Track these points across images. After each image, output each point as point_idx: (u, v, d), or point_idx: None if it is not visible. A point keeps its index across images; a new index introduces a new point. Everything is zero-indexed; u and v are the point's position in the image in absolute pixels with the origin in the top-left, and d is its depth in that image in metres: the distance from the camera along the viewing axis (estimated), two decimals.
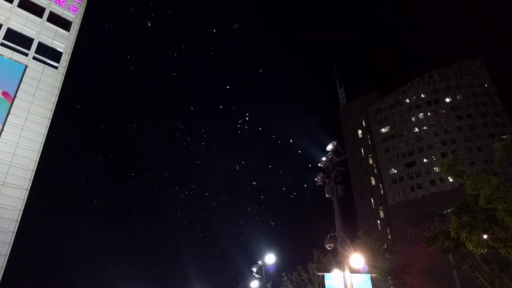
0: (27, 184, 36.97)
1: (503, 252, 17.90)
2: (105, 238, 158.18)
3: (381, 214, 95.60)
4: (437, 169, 67.80)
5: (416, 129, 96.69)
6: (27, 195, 36.63)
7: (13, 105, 38.99)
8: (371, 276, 11.86)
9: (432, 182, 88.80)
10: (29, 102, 40.10)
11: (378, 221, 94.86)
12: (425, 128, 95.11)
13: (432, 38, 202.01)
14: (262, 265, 25.62)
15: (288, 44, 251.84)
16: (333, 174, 10.62)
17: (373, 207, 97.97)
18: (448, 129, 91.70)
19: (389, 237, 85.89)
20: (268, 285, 28.68)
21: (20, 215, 35.76)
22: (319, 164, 11.32)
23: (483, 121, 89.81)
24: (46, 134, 40.26)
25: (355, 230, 78.66)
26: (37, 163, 38.32)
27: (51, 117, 41.32)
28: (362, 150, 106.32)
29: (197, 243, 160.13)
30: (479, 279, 23.29)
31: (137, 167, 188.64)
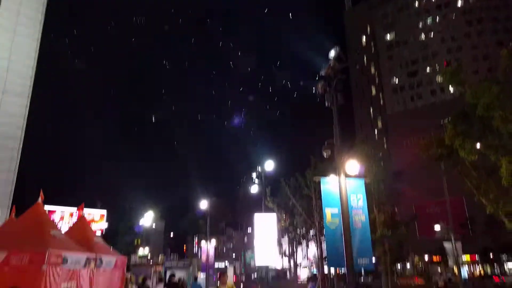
0: (26, 91, 36.71)
1: (493, 158, 18.46)
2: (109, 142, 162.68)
3: (379, 124, 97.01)
4: (439, 77, 66.95)
5: (423, 35, 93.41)
6: (28, 103, 36.60)
7: (1, 6, 36.86)
8: (365, 181, 12.43)
9: (433, 92, 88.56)
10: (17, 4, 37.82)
11: (376, 130, 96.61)
12: (432, 34, 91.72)
13: None
14: (261, 172, 26.54)
15: None
16: (334, 82, 10.50)
17: (372, 116, 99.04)
18: (455, 36, 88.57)
19: (385, 146, 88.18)
20: (267, 189, 30.29)
21: (25, 124, 36.18)
22: (320, 73, 11.12)
23: (493, 26, 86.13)
24: (39, 39, 38.73)
25: (353, 139, 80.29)
26: (34, 70, 37.57)
27: (42, 21, 39.35)
28: (365, 58, 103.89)
29: (198, 148, 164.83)
30: (467, 184, 24.48)
31: (137, 87, 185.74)
